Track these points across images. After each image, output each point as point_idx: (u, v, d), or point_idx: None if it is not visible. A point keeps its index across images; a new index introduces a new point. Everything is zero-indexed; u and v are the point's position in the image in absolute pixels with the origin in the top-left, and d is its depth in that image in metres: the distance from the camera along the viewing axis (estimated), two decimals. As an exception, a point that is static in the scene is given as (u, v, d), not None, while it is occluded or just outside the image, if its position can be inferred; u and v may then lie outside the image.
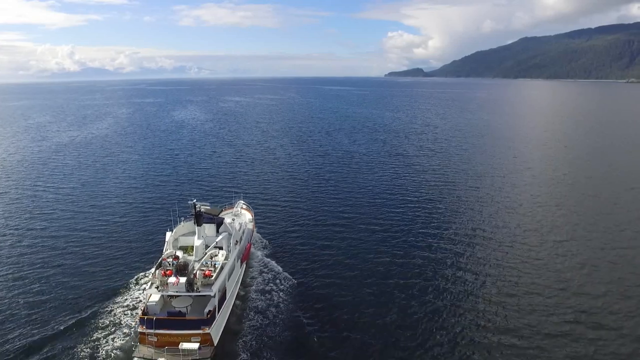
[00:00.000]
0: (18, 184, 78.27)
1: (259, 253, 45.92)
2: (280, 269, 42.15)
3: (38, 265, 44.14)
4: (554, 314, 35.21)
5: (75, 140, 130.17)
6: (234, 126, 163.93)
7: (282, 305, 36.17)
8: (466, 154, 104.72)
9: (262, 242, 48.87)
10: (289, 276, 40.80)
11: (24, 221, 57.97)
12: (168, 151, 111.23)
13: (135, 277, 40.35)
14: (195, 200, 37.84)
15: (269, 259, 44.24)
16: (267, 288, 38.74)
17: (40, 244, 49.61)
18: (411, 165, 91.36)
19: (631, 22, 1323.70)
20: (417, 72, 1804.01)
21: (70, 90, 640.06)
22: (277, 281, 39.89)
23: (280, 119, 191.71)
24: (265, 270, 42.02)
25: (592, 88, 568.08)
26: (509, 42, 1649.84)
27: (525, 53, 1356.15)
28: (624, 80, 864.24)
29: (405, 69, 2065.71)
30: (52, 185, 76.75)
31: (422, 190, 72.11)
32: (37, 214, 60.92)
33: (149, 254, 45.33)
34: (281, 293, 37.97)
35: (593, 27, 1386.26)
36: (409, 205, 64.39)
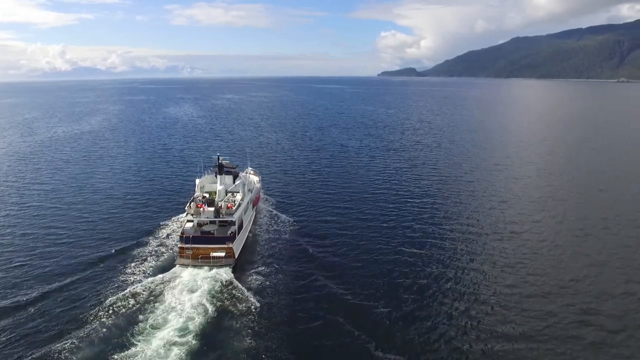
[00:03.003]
0: (57, 157, 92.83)
1: (265, 205, 57.83)
2: (282, 214, 54.26)
3: (94, 211, 57.04)
4: (561, 310, 33.11)
5: (79, 132, 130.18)
6: (228, 122, 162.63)
7: (283, 236, 47.93)
8: (465, 149, 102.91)
9: (266, 198, 60.98)
10: (288, 218, 52.77)
11: (86, 177, 76.27)
12: (180, 131, 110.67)
13: (170, 219, 51.71)
14: (219, 154, 50.97)
15: (272, 209, 56.70)
16: (271, 225, 51.26)
17: (97, 200, 62.78)
18: (407, 160, 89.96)
19: (621, 22, 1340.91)
20: (410, 71, 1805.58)
21: (61, 89, 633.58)
22: (279, 222, 52.17)
23: (274, 115, 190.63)
24: (270, 215, 54.56)
25: (584, 87, 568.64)
26: (501, 42, 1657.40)
27: (517, 53, 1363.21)
28: (615, 80, 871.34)
29: (398, 68, 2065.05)
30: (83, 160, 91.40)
31: (421, 184, 70.22)
32: (89, 179, 76.32)
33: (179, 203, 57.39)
34: (283, 229, 50.05)
35: (584, 27, 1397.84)
36: (404, 197, 63.46)
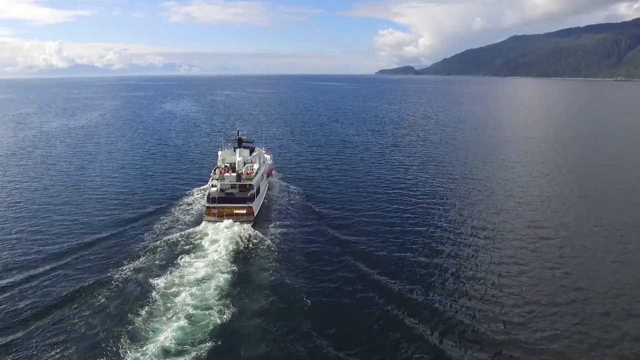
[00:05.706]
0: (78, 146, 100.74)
1: (276, 179, 66.42)
2: (291, 185, 63.64)
3: (135, 178, 70.07)
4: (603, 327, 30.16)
5: (85, 124, 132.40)
6: (229, 118, 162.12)
7: (293, 201, 56.46)
8: (473, 145, 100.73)
9: (277, 174, 69.88)
10: (297, 188, 61.99)
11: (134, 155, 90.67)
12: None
13: (196, 187, 61.31)
14: (238, 129, 61.02)
15: (283, 182, 65.86)
16: (283, 193, 60.10)
17: (133, 173, 74.11)
18: (414, 155, 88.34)
19: (619, 21, 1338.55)
20: (407, 69, 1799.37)
21: (59, 85, 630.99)
22: (289, 191, 61.10)
23: (274, 111, 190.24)
24: (281, 186, 63.59)
25: (583, 86, 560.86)
26: (499, 40, 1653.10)
27: (514, 51, 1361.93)
28: (612, 79, 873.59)
29: (396, 66, 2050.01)
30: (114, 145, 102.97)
31: (433, 182, 67.26)
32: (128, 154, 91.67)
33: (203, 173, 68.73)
34: (293, 195, 59.00)
35: (581, 26, 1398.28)
36: (414, 194, 61.37)
